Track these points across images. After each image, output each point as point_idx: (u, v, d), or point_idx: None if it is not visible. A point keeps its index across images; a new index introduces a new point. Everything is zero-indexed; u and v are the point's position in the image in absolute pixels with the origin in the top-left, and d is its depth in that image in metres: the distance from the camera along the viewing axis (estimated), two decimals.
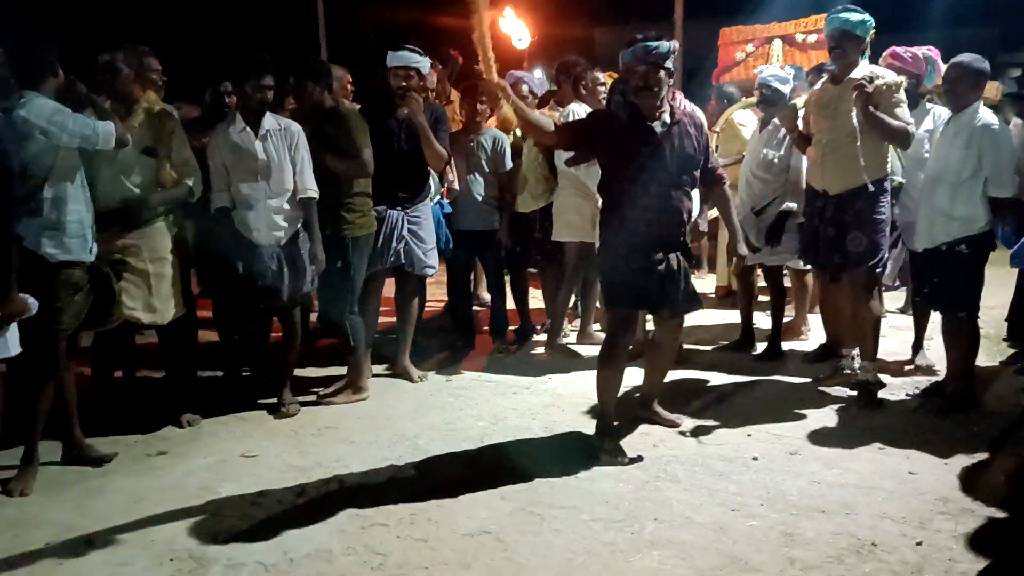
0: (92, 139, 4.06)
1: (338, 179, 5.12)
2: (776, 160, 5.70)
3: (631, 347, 4.58)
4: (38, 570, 3.41)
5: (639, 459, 4.30)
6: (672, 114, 4.30)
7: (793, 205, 5.66)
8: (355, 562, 3.40)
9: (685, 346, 5.95)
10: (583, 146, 4.56)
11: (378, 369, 5.80)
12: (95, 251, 4.20)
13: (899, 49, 5.33)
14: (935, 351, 5.52)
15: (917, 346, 5.68)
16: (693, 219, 4.51)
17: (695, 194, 4.56)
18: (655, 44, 4.13)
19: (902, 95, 4.84)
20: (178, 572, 3.37)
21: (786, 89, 5.74)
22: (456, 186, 6.02)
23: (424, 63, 5.46)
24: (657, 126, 4.25)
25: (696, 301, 4.52)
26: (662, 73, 4.18)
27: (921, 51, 5.33)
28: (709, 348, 6.29)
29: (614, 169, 4.38)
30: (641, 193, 4.25)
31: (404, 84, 5.32)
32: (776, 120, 5.70)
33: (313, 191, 4.96)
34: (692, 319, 5.31)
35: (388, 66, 5.40)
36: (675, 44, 4.21)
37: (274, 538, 3.58)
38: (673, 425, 4.74)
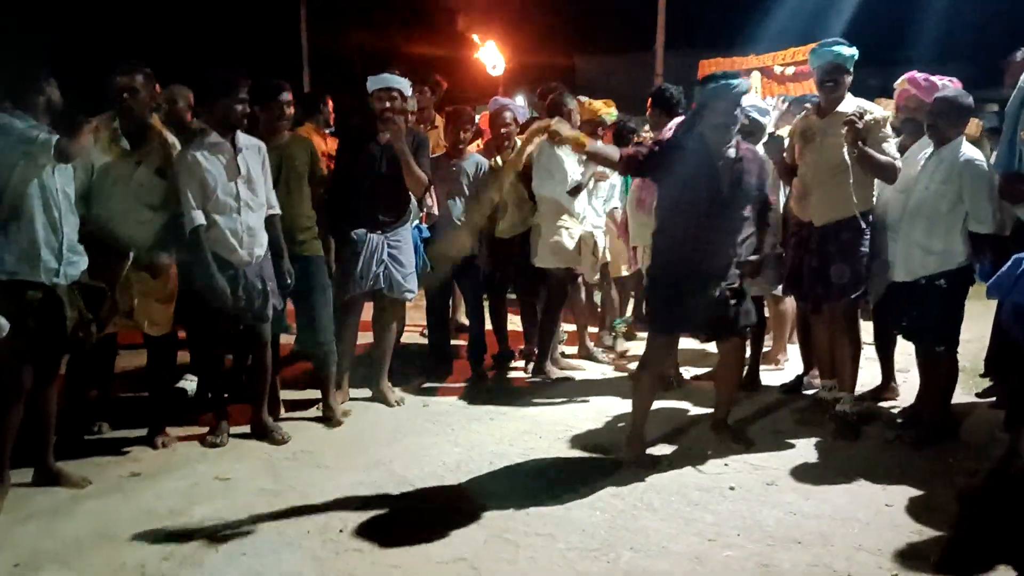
0: (31, 147, 3.84)
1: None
2: None
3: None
4: None
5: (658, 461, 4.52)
6: (737, 149, 4.43)
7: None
8: None
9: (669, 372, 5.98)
10: (648, 176, 4.79)
11: (355, 393, 5.77)
12: (63, 274, 4.02)
13: (918, 75, 5.30)
14: (911, 384, 5.54)
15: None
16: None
17: None
18: (736, 83, 4.34)
19: (888, 130, 4.88)
20: None
21: (765, 120, 5.79)
22: (436, 211, 6.02)
23: (405, 84, 5.48)
24: (722, 161, 4.38)
25: (737, 326, 4.64)
26: (738, 111, 4.37)
27: (941, 80, 5.19)
28: (688, 377, 6.28)
29: (673, 199, 4.50)
30: (697, 224, 4.39)
31: (388, 106, 5.34)
32: None
33: (278, 208, 4.99)
34: None
35: (370, 91, 5.42)
36: (751, 83, 4.30)
37: (247, 563, 3.53)
38: (740, 448, 4.79)
